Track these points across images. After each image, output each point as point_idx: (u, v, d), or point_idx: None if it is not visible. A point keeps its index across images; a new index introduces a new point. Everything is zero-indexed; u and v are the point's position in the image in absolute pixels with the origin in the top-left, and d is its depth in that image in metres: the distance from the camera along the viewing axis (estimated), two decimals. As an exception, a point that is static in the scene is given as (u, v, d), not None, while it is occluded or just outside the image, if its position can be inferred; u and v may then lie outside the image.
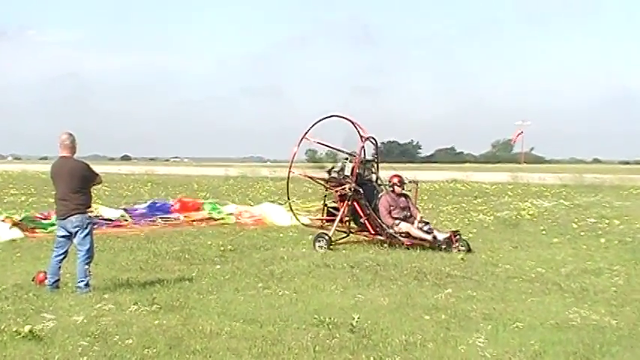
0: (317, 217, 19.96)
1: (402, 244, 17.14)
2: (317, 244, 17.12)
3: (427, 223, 17.93)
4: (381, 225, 17.63)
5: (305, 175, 19.81)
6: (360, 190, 17.94)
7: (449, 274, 13.69)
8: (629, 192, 38.96)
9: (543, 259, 15.57)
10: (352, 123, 18.99)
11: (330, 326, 9.55)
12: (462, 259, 15.32)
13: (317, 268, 14.29)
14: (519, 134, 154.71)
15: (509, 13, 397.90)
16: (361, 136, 18.76)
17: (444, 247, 16.79)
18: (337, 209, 18.27)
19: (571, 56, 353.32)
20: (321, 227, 18.39)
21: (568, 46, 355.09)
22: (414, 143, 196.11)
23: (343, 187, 17.89)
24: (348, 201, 17.84)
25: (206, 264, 14.88)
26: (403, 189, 18.47)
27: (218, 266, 14.55)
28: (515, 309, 10.82)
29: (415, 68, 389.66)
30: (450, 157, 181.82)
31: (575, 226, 22.26)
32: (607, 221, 23.54)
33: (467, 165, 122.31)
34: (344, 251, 16.62)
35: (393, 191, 18.23)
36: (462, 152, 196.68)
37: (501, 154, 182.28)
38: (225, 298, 11.41)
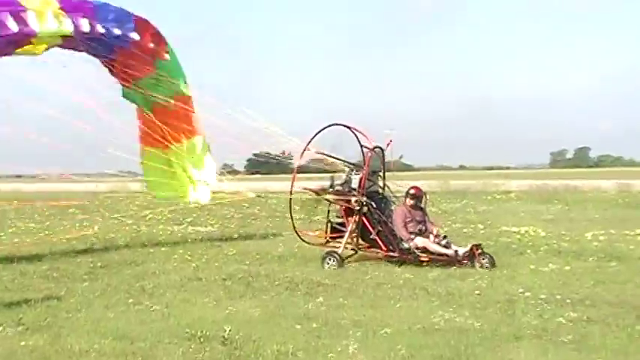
0: (316, 234, 18.38)
1: (418, 260, 16.05)
2: (326, 263, 16.08)
3: (445, 237, 16.68)
4: (393, 240, 16.50)
5: (307, 189, 18.09)
6: (373, 203, 16.95)
7: (320, 283, 13.85)
8: (492, 197, 40.40)
9: (411, 264, 15.93)
10: (353, 131, 17.83)
11: (202, 339, 9.54)
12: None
13: (189, 282, 14.17)
14: (389, 143, 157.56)
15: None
16: (362, 146, 17.76)
17: (465, 262, 15.74)
18: (342, 225, 17.34)
19: (438, 64, 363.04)
20: (325, 245, 17.35)
21: (435, 54, 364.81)
22: (287, 154, 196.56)
23: (354, 200, 16.83)
24: (356, 216, 16.89)
25: (75, 282, 14.48)
26: (420, 202, 17.40)
27: (87, 283, 14.22)
28: (385, 315, 11.08)
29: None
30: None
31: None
32: (472, 226, 24.38)
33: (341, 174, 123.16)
34: (216, 264, 16.52)
35: (412, 204, 17.12)
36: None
37: (371, 163, 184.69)
38: (95, 316, 11.19)
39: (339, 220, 17.54)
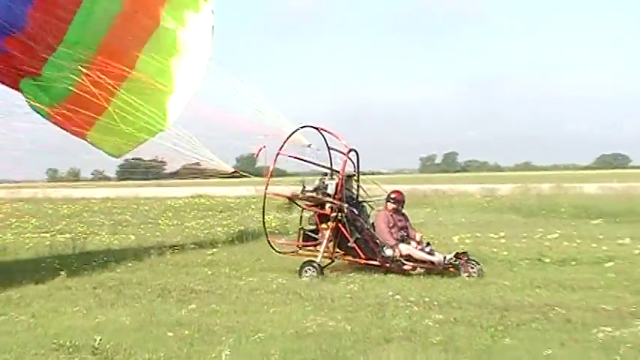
0: (288, 242, 17.61)
1: (402, 268, 15.50)
2: (304, 273, 15.36)
3: (428, 244, 16.09)
4: (374, 248, 15.82)
5: (279, 195, 17.19)
6: (354, 210, 16.31)
7: (193, 290, 13.79)
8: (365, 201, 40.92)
9: (284, 269, 16.03)
10: (321, 132, 17.09)
11: (71, 350, 9.34)
12: None
13: (57, 291, 13.83)
14: (262, 148, 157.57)
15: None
16: (330, 149, 17.04)
17: (451, 269, 15.23)
18: (315, 232, 16.54)
19: (316, 72, 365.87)
20: (297, 253, 16.61)
21: (313, 62, 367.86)
22: (160, 159, 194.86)
23: (329, 207, 16.12)
24: (332, 223, 16.04)
25: None
26: (402, 206, 16.74)
27: (-53, 294, 13.63)
28: (258, 320, 11.13)
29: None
30: (195, 172, 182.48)
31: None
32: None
33: (211, 180, 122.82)
34: (86, 272, 16.12)
35: (394, 209, 16.49)
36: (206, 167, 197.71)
37: (246, 169, 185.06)
38: (-43, 328, 10.77)
39: (312, 228, 16.72)
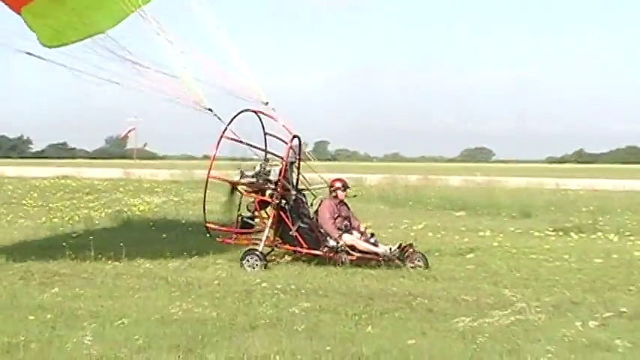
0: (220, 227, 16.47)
1: (346, 259, 15.07)
2: (246, 262, 14.78)
3: (372, 235, 15.76)
4: (318, 238, 15.39)
5: (220, 179, 16.37)
6: (303, 198, 16.05)
7: (57, 273, 13.49)
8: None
9: (152, 254, 15.81)
10: (258, 116, 16.37)
11: None
12: None
13: None
14: (130, 130, 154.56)
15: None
16: (266, 134, 16.58)
17: (397, 261, 14.88)
18: (253, 219, 16.12)
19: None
20: (234, 241, 16.02)
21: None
22: (25, 138, 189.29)
23: (269, 194, 15.61)
24: (275, 210, 15.54)
25: None
26: (346, 195, 16.27)
27: None
28: (123, 305, 11.00)
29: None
30: (61, 152, 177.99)
31: (183, 221, 22.96)
32: (212, 216, 24.53)
33: (79, 161, 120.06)
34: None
35: (335, 197, 15.97)
36: (74, 148, 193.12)
37: (115, 150, 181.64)
38: None
39: (250, 215, 16.15)
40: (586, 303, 11.39)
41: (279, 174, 15.64)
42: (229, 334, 9.56)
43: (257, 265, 14.68)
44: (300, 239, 15.44)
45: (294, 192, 15.82)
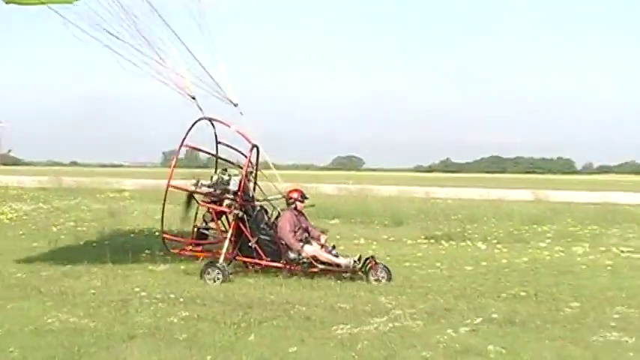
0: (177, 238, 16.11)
1: (308, 271, 14.81)
2: (207, 275, 14.24)
3: (334, 247, 15.39)
4: (278, 249, 15.07)
5: (177, 188, 15.70)
6: (263, 208, 15.61)
7: None
8: (106, 195, 40.05)
9: (23, 263, 15.36)
10: (212, 123, 16.06)
11: None
12: None
13: None
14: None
15: None
16: (218, 142, 16.26)
17: (360, 274, 14.75)
18: (208, 230, 15.66)
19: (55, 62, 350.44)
20: (189, 252, 15.62)
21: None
22: None
23: (227, 204, 15.19)
24: (233, 222, 15.04)
25: None
26: (304, 206, 15.86)
27: None
28: (-6, 316, 10.61)
29: None
30: None
31: (55, 229, 22.36)
32: (86, 224, 24.07)
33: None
34: None
35: (295, 208, 15.57)
36: None
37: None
38: None
39: (205, 225, 15.78)
40: (458, 309, 11.77)
41: (239, 184, 15.21)
42: (107, 344, 9.41)
43: (219, 278, 14.20)
44: (260, 251, 15.12)
45: (258, 203, 15.67)
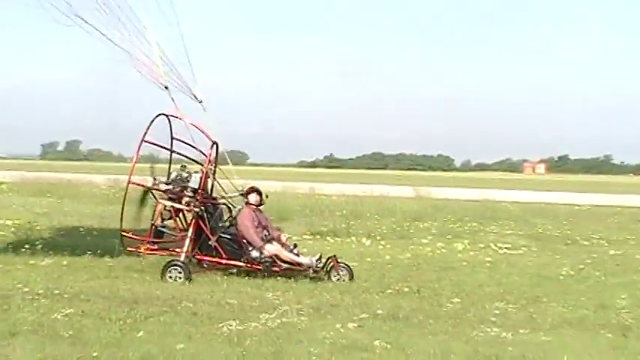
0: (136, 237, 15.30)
1: (269, 270, 14.55)
2: (168, 274, 13.86)
3: (295, 246, 15.29)
4: (240, 248, 14.73)
5: (134, 183, 15.11)
6: (234, 207, 15.34)
7: None
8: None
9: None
10: (171, 123, 15.56)
11: None
12: None
13: None
14: None
15: None
16: (173, 139, 15.67)
17: (321, 274, 14.59)
18: (165, 227, 15.02)
19: None
20: (148, 251, 15.04)
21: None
22: None
23: (186, 202, 14.70)
24: (193, 220, 14.65)
25: None
26: (262, 203, 15.50)
27: None
28: None
29: None
30: None
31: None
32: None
33: None
34: None
35: (255, 205, 15.26)
36: None
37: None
38: None
39: (164, 223, 15.16)
40: (344, 305, 11.99)
41: (200, 181, 14.88)
42: None
43: (180, 277, 13.91)
44: (220, 249, 14.83)
45: (226, 200, 15.50)
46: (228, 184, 15.94)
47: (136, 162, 14.84)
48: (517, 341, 9.97)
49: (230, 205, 15.61)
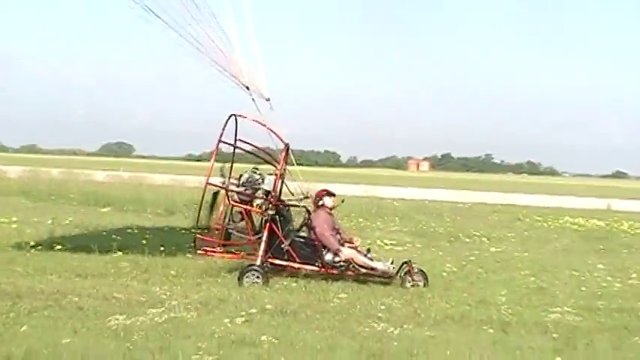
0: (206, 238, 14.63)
1: (344, 274, 14.23)
2: (246, 279, 13.49)
3: (369, 250, 14.75)
4: (314, 251, 14.33)
5: (213, 185, 14.59)
6: (307, 210, 14.72)
7: None
8: None
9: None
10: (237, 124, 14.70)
11: None
12: None
13: None
14: None
15: None
16: (237, 140, 14.93)
17: (396, 279, 14.20)
18: (233, 230, 14.58)
19: None
20: (221, 254, 14.59)
21: None
22: None
23: (257, 205, 14.29)
24: (267, 222, 14.12)
25: None
26: (335, 206, 15.07)
27: None
28: None
29: None
30: None
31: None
32: None
33: None
34: None
35: (329, 208, 14.89)
36: None
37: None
38: None
39: (234, 226, 14.67)
40: (232, 300, 12.01)
41: (274, 184, 14.40)
42: None
43: (258, 282, 13.57)
44: (293, 253, 14.41)
45: (303, 203, 14.96)
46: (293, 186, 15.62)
47: (213, 163, 14.63)
48: (402, 336, 10.22)
49: (307, 208, 14.97)
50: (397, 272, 14.35)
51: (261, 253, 14.12)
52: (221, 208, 14.78)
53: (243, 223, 14.66)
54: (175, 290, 12.61)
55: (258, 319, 10.77)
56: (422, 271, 14.48)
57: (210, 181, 14.58)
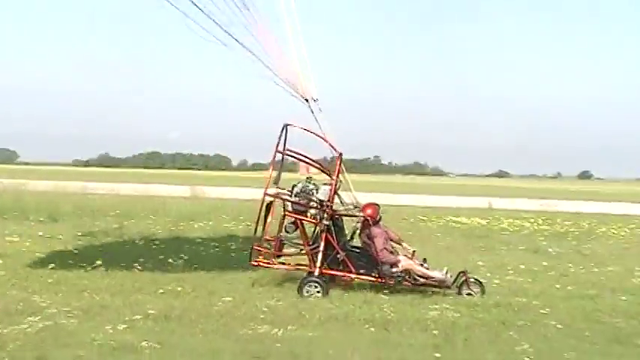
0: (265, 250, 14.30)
1: (401, 284, 14.01)
2: (307, 290, 13.44)
3: (425, 260, 14.45)
4: (371, 261, 14.16)
5: (278, 197, 14.28)
6: (359, 220, 14.63)
7: None
8: None
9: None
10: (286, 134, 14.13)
11: None
12: None
13: None
14: None
15: None
16: (288, 150, 14.35)
17: (452, 289, 14.04)
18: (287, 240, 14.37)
19: None
20: (278, 265, 14.37)
21: None
22: None
23: (312, 215, 14.20)
24: (323, 233, 13.94)
25: None
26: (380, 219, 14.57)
27: None
28: None
29: None
30: None
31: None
32: None
33: None
34: None
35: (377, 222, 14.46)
36: None
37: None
38: None
39: (289, 236, 14.35)
40: (114, 306, 11.84)
41: (329, 195, 14.22)
42: None
43: (319, 293, 13.47)
44: (349, 264, 14.15)
45: (359, 214, 14.58)
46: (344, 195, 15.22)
47: (271, 173, 14.27)
48: (286, 337, 10.33)
49: (366, 218, 14.61)
50: (454, 282, 14.29)
51: (318, 264, 14.04)
52: (268, 220, 14.49)
53: (295, 234, 14.54)
54: (56, 298, 12.36)
55: (140, 325, 10.67)
56: (479, 281, 14.49)
57: (268, 192, 14.32)
